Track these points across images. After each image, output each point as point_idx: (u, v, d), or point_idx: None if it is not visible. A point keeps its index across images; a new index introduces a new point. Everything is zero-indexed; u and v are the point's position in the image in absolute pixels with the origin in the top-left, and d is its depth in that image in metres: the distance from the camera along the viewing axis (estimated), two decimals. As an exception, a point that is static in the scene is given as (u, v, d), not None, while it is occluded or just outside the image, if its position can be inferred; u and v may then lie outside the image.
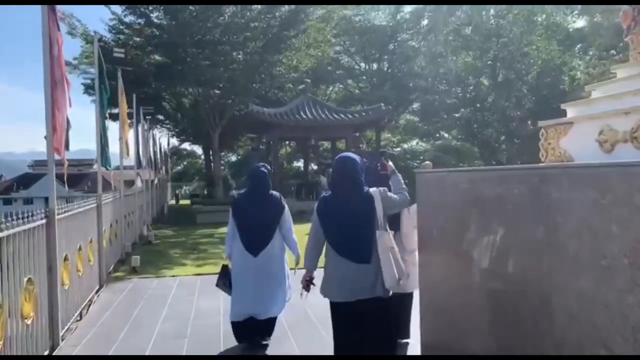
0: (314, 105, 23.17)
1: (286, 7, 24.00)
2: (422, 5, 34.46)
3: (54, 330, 5.11)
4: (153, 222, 18.57)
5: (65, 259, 5.61)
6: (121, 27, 24.91)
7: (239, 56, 24.60)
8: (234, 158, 48.63)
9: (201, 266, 10.04)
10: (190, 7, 22.36)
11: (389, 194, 3.88)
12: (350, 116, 23.26)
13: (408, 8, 35.34)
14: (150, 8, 23.31)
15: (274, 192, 5.27)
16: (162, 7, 22.95)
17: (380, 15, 35.59)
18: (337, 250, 3.74)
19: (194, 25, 22.77)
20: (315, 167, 31.79)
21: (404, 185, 4.07)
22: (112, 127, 17.26)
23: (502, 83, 31.19)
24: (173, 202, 38.85)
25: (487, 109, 32.45)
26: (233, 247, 5.15)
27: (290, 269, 5.24)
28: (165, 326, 5.96)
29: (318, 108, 23.04)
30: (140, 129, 17.29)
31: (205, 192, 36.14)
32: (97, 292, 7.48)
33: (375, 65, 36.53)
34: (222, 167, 38.73)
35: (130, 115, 14.71)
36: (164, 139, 35.13)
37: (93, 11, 26.17)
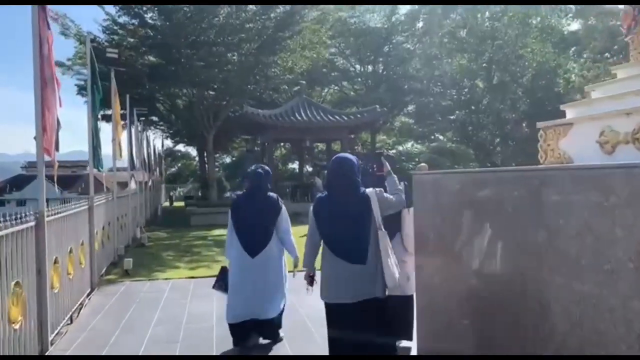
0: (309, 107, 23.11)
1: (281, 8, 23.93)
2: (417, 8, 34.54)
3: (43, 335, 5.01)
4: (147, 224, 18.45)
5: (56, 261, 5.51)
6: (115, 27, 24.76)
7: (234, 57, 24.51)
8: (228, 160, 48.53)
9: (194, 269, 9.94)
10: (185, 7, 22.25)
11: (385, 194, 3.86)
12: (345, 118, 23.22)
13: (403, 10, 35.45)
14: (145, 8, 23.18)
15: (272, 194, 5.25)
16: (156, 8, 22.82)
17: (375, 17, 35.66)
18: (333, 250, 3.73)
19: (189, 26, 22.67)
20: (310, 169, 31.73)
21: (400, 187, 4.05)
22: (106, 129, 17.19)
23: (497, 85, 31.25)
24: (167, 204, 38.68)
25: (482, 111, 32.52)
26: (232, 248, 5.13)
27: (289, 271, 5.21)
28: (158, 330, 5.86)
29: (313, 110, 22.99)
30: (133, 130, 17.17)
31: (200, 194, 36.00)
32: (88, 295, 7.37)
33: (370, 67, 36.54)
34: (217, 169, 38.58)
35: (123, 117, 14.61)
36: (158, 140, 34.98)
37: (87, 12, 26.05)
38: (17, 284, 4.24)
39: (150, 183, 23.00)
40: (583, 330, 2.30)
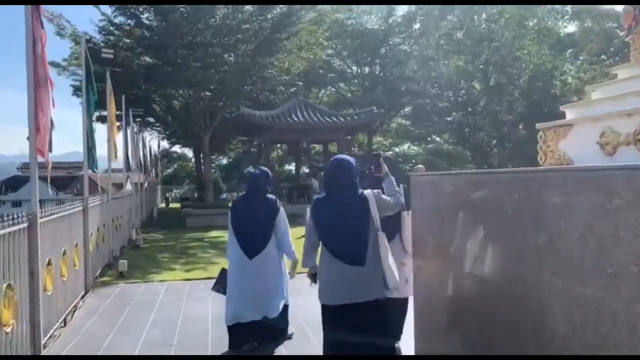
0: (306, 108, 23.07)
1: (278, 9, 23.87)
2: (414, 10, 34.58)
3: (35, 338, 4.93)
4: (142, 226, 18.37)
5: (49, 263, 5.44)
6: (111, 28, 24.66)
7: (230, 58, 24.43)
8: (225, 161, 48.47)
9: (190, 271, 9.88)
10: (181, 8, 22.17)
11: (383, 196, 3.84)
12: (342, 119, 23.18)
13: (400, 12, 35.48)
14: (141, 9, 23.08)
15: (271, 196, 5.23)
16: (152, 8, 22.72)
17: (372, 18, 35.68)
18: (332, 252, 3.70)
19: (185, 27, 22.57)
20: (306, 170, 31.71)
21: (397, 188, 4.02)
22: (102, 130, 17.12)
23: (493, 87, 31.32)
24: (163, 205, 38.56)
25: (479, 112, 32.58)
26: (231, 250, 5.13)
27: (288, 273, 5.21)
28: (152, 333, 5.80)
29: (310, 111, 22.95)
30: (129, 131, 17.09)
31: (196, 195, 35.89)
32: (82, 297, 7.30)
33: (367, 69, 36.56)
34: (213, 170, 38.50)
35: (119, 118, 14.52)
36: (154, 141, 34.90)
37: (82, 12, 25.91)
38: (9, 286, 4.17)
39: (146, 184, 22.91)
40: (585, 334, 2.25)
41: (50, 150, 5.32)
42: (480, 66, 31.62)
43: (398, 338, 4.80)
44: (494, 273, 2.89)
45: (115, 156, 11.93)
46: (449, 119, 33.58)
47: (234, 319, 5.00)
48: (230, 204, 5.50)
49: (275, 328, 5.19)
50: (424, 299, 3.74)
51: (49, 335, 5.39)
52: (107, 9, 23.63)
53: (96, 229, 8.84)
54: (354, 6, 35.08)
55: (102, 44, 23.09)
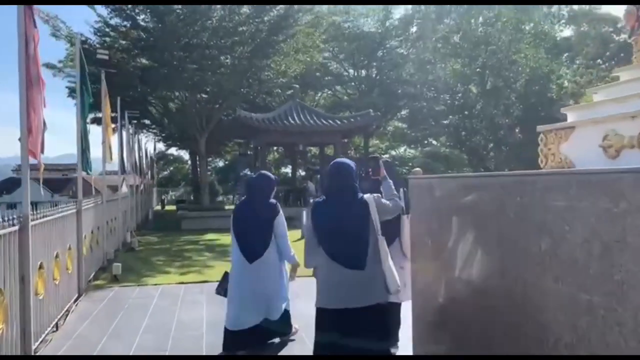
0: (302, 111, 22.99)
1: (275, 12, 23.82)
2: (411, 12, 34.60)
3: (26, 343, 4.84)
4: (137, 228, 18.25)
5: (41, 267, 5.35)
6: (107, 29, 24.49)
7: (227, 60, 24.35)
8: (221, 163, 48.34)
9: (185, 274, 9.78)
10: (178, 10, 22.09)
11: (383, 200, 3.80)
12: (338, 122, 23.11)
13: (397, 15, 35.48)
14: (137, 10, 22.98)
15: (272, 200, 5.22)
16: (148, 10, 22.63)
17: (369, 21, 35.67)
18: (331, 255, 3.64)
19: (181, 29, 22.48)
20: (303, 173, 31.60)
21: (395, 192, 3.97)
22: (97, 132, 16.98)
23: (490, 90, 31.34)
24: (159, 207, 38.40)
25: (476, 116, 32.60)
26: (233, 254, 5.16)
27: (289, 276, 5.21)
28: (146, 338, 5.70)
29: (306, 114, 22.88)
30: (125, 133, 16.99)
31: (192, 198, 35.74)
32: (75, 301, 7.20)
33: (364, 72, 36.51)
34: (209, 173, 38.35)
35: (114, 119, 14.43)
36: (150, 143, 34.71)
37: (78, 13, 25.84)
38: (-2, 290, 4.09)
39: (141, 187, 22.79)
40: (590, 343, 2.18)
41: (42, 151, 5.23)
42: (477, 69, 31.65)
43: (395, 345, 4.74)
44: (495, 278, 2.82)
45: (111, 158, 11.84)
46: (445, 122, 33.59)
47: (235, 324, 4.96)
48: (230, 207, 5.48)
49: (277, 333, 5.17)
50: (422, 303, 3.68)
51: (40, 339, 5.30)
52: (102, 10, 23.52)
53: (90, 232, 8.75)
54: (351, 9, 35.10)
55: (97, 46, 22.94)
